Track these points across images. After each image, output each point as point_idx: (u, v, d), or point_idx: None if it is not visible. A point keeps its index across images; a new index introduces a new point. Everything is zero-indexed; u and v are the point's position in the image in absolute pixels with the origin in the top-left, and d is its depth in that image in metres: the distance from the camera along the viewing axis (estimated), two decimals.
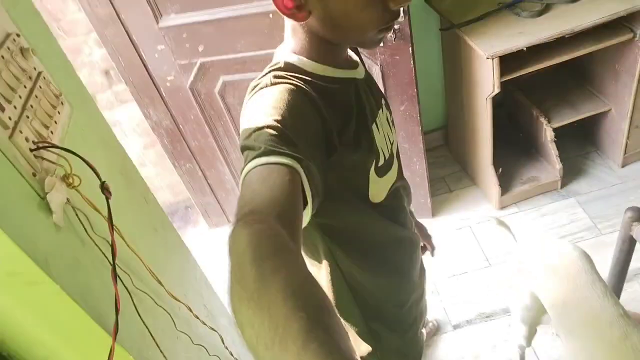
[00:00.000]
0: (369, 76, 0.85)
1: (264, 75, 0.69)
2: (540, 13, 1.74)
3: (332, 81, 0.73)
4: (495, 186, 2.08)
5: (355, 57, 0.82)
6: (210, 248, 2.16)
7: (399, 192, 0.92)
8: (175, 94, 1.92)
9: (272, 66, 0.71)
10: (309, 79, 0.69)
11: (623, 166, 2.16)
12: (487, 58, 1.65)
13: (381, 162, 0.82)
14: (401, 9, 0.69)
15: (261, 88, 0.67)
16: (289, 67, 0.70)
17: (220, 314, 1.35)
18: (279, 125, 0.59)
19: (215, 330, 1.12)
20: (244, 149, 0.59)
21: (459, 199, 2.26)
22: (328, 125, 0.67)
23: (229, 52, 1.77)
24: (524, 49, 1.65)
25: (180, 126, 2.03)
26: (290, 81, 0.66)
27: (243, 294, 0.42)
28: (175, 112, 1.98)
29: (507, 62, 1.70)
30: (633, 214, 1.30)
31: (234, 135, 2.04)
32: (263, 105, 0.63)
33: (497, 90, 1.74)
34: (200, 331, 1.07)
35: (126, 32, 1.75)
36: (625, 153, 2.11)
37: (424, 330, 1.40)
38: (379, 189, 0.84)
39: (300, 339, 0.37)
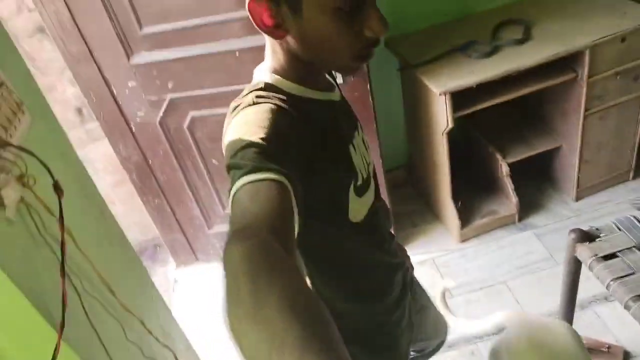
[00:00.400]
0: (343, 99, 0.88)
1: (244, 96, 0.71)
2: (489, 54, 1.87)
3: (310, 102, 0.75)
4: (456, 220, 2.15)
5: (330, 80, 0.85)
6: (176, 286, 2.16)
7: (378, 214, 0.93)
8: (145, 129, 1.98)
9: (252, 87, 0.73)
10: (288, 99, 0.71)
11: (577, 200, 2.26)
12: (440, 94, 1.77)
13: (359, 182, 0.83)
14: (381, 38, 0.71)
15: (243, 108, 0.68)
16: (268, 87, 0.72)
17: (179, 339, 1.35)
18: (264, 142, 0.60)
19: (169, 348, 1.13)
20: (229, 168, 0.60)
21: (423, 233, 2.32)
22: (308, 144, 0.69)
23: (197, 88, 1.85)
24: (474, 86, 1.77)
25: (150, 161, 2.07)
26: (272, 101, 0.68)
27: (239, 308, 0.42)
28: (145, 147, 2.04)
29: (460, 98, 1.82)
30: (576, 235, 1.37)
31: (202, 170, 2.09)
32: (246, 124, 0.64)
33: (450, 125, 1.85)
34: (154, 348, 1.08)
35: (98, 69, 1.83)
36: (578, 187, 2.22)
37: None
38: (358, 208, 0.85)
39: (298, 350, 0.37)
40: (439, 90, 1.77)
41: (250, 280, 0.43)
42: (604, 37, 1.81)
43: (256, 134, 0.61)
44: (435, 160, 2.10)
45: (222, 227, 2.26)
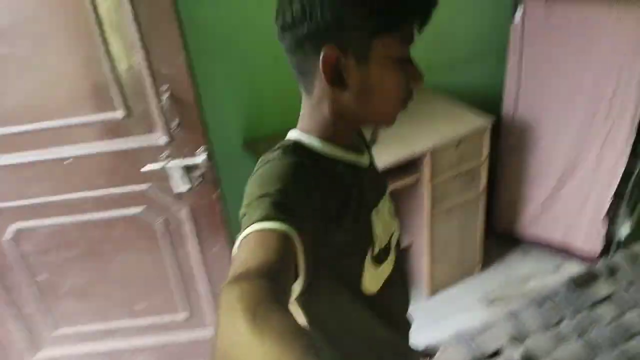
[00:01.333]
0: (373, 165, 0.89)
1: (273, 151, 0.73)
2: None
3: (338, 162, 0.77)
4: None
5: (361, 144, 0.86)
6: None
7: (395, 288, 0.91)
8: None
9: (282, 143, 0.75)
10: (315, 157, 0.74)
11: (431, 295, 2.33)
12: None
13: (377, 250, 0.82)
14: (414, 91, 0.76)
15: (269, 161, 0.70)
16: (297, 145, 0.75)
17: None
18: (281, 195, 0.62)
19: None
20: (243, 214, 0.62)
21: None
22: (327, 204, 0.70)
23: (22, 197, 1.63)
24: None
25: None
26: (297, 158, 0.70)
27: (233, 336, 0.43)
28: None
29: None
30: None
31: (21, 287, 1.81)
32: (268, 176, 0.66)
33: None
34: None
35: None
36: (431, 283, 2.29)
37: None
38: (373, 279, 0.84)
39: None
40: None
41: (248, 312, 0.44)
42: (443, 141, 1.95)
43: (275, 186, 0.63)
44: None
45: (51, 351, 1.95)
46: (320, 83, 0.72)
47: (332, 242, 0.71)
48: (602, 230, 2.25)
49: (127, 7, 1.30)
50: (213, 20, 1.84)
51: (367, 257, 0.80)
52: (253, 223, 0.58)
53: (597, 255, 2.30)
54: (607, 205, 2.18)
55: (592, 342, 1.48)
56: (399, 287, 0.94)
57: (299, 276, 0.59)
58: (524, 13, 2.05)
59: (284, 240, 0.57)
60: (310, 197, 0.67)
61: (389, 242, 0.88)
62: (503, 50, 2.20)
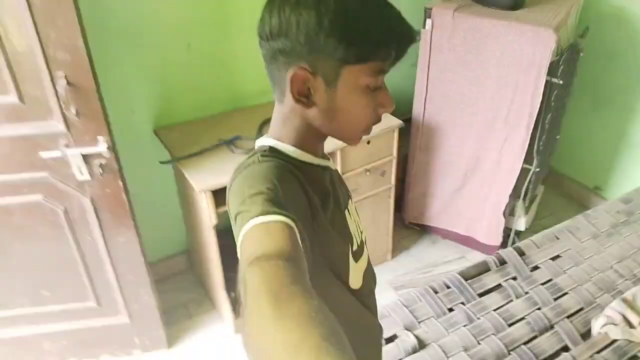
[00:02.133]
0: (337, 170, 0.92)
1: (249, 157, 0.74)
2: (250, 151, 1.93)
3: (311, 166, 0.79)
4: (229, 311, 2.11)
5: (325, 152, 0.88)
6: None
7: (369, 279, 0.95)
8: None
9: (256, 150, 0.77)
10: (291, 161, 0.75)
11: None
12: (199, 192, 1.75)
13: (355, 247, 0.86)
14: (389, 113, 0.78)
15: (248, 166, 0.71)
16: (273, 150, 0.76)
17: None
18: (272, 192, 0.63)
19: None
20: (237, 214, 0.62)
21: (199, 324, 2.23)
22: (312, 202, 0.72)
23: None
24: None
25: None
26: (276, 161, 0.72)
27: (260, 320, 0.44)
28: None
29: (223, 194, 1.82)
30: None
31: None
32: (253, 178, 0.67)
33: (214, 221, 1.83)
34: None
35: None
36: None
37: None
38: (356, 274, 0.87)
39: (313, 354, 0.39)
40: (199, 187, 1.75)
41: (271, 296, 0.45)
42: None
43: (264, 184, 0.64)
44: (206, 252, 2.05)
45: None
46: (289, 95, 0.74)
47: (322, 238, 0.73)
48: (501, 224, 2.42)
49: None
50: (121, 7, 1.79)
51: (349, 254, 0.83)
52: (252, 219, 0.58)
53: (497, 246, 2.47)
54: (506, 201, 2.34)
55: (479, 328, 1.60)
56: (371, 278, 0.98)
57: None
58: (432, 22, 2.15)
59: (287, 229, 0.57)
60: (297, 196, 0.69)
61: (362, 239, 0.92)
62: (413, 55, 2.29)
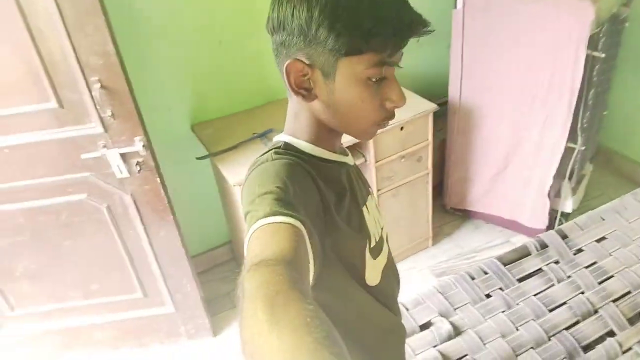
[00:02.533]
0: (357, 166, 0.91)
1: (264, 154, 0.74)
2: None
3: (327, 162, 0.78)
4: None
5: (344, 147, 0.88)
6: None
7: (390, 277, 0.94)
8: None
9: (271, 146, 0.76)
10: (306, 158, 0.75)
11: None
12: (234, 185, 1.79)
13: (373, 243, 0.85)
14: (399, 107, 0.75)
15: (262, 163, 0.71)
16: (288, 146, 0.76)
17: None
18: (282, 191, 0.63)
19: None
20: (247, 213, 0.62)
21: None
22: (325, 199, 0.72)
23: None
24: None
25: None
26: (290, 158, 0.72)
27: (255, 326, 0.43)
28: None
29: None
30: None
31: None
32: (265, 176, 0.67)
33: None
34: None
35: None
36: None
37: None
38: (373, 271, 0.86)
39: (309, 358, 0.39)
40: (233, 181, 1.79)
41: (267, 302, 0.45)
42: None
43: (275, 183, 0.64)
44: None
45: (10, 330, 2.02)
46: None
47: (334, 235, 0.73)
48: (547, 207, 2.33)
49: (51, 1, 1.31)
50: (151, 7, 1.84)
51: (365, 251, 0.83)
52: (260, 219, 0.58)
53: (543, 230, 2.38)
54: (550, 183, 2.26)
55: (517, 314, 1.57)
56: (392, 276, 0.97)
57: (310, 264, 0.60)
58: (464, 2, 2.08)
59: (293, 231, 0.57)
60: (308, 193, 0.69)
61: (381, 236, 0.91)
62: (448, 36, 2.23)
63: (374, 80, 0.70)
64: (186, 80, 2.04)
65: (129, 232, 1.81)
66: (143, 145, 1.57)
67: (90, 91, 1.45)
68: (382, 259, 0.92)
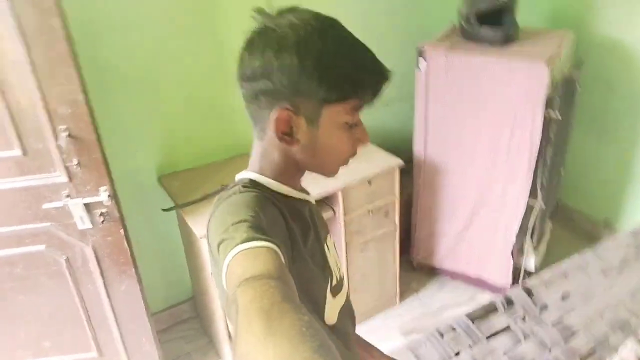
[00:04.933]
0: (316, 205, 0.93)
1: (230, 189, 0.75)
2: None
3: (291, 199, 0.80)
4: None
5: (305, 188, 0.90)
6: None
7: (346, 317, 0.95)
8: None
9: (236, 182, 0.78)
10: (272, 193, 0.77)
11: None
12: (201, 238, 1.76)
13: (334, 282, 0.86)
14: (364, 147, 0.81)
15: (230, 196, 0.72)
16: (254, 183, 0.77)
17: None
18: (254, 219, 0.64)
19: None
20: (221, 242, 0.61)
21: None
22: (292, 233, 0.74)
23: None
24: None
25: None
26: (258, 192, 0.73)
27: (250, 337, 0.44)
28: None
29: None
30: None
31: None
32: (235, 206, 0.68)
33: None
34: None
35: None
36: None
37: None
38: (332, 310, 0.87)
39: None
40: (201, 233, 1.76)
41: (262, 313, 0.45)
42: (354, 180, 2.03)
43: (247, 213, 0.65)
44: (210, 301, 2.04)
45: None
46: (271, 133, 0.75)
47: (300, 270, 0.73)
48: (510, 264, 2.37)
49: (22, 49, 1.31)
50: (121, 58, 1.86)
51: (327, 289, 0.83)
52: (238, 245, 0.58)
53: (508, 286, 2.41)
54: (513, 240, 2.31)
55: None
56: (348, 316, 0.98)
57: None
58: (427, 63, 2.19)
59: (274, 254, 0.58)
60: (277, 225, 0.70)
61: (341, 275, 0.93)
62: (413, 96, 2.32)
63: (350, 124, 0.76)
64: (154, 132, 2.04)
65: (88, 287, 1.73)
66: (108, 195, 1.53)
67: (56, 140, 1.42)
68: (341, 298, 0.93)
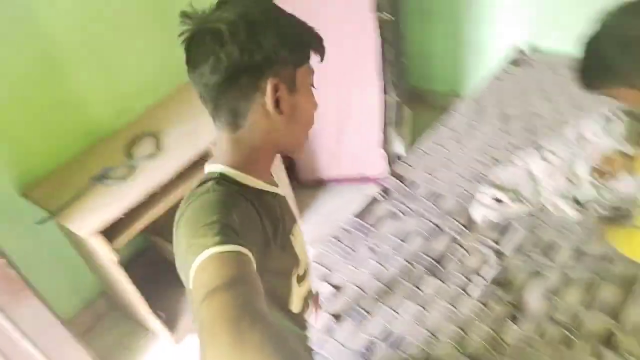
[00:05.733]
0: (284, 196, 0.93)
1: (201, 185, 0.74)
2: (126, 177, 1.90)
3: (261, 192, 0.80)
4: (163, 328, 2.14)
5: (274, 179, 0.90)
6: None
7: (308, 301, 1.00)
8: None
9: (206, 177, 0.76)
10: (242, 188, 0.76)
11: None
12: (89, 237, 1.72)
13: (302, 271, 0.89)
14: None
15: (203, 194, 0.70)
16: (225, 177, 0.76)
17: None
18: (227, 220, 0.64)
19: None
20: (191, 244, 0.61)
21: (142, 352, 2.25)
22: (265, 228, 0.74)
23: None
24: (123, 216, 1.78)
25: None
26: (229, 188, 0.73)
27: (219, 351, 0.44)
28: None
29: (113, 228, 1.81)
30: None
31: None
32: (208, 206, 0.67)
33: (116, 258, 1.83)
34: None
35: None
36: None
37: None
38: (298, 297, 0.91)
39: None
40: (86, 233, 1.72)
41: (230, 325, 0.45)
42: None
43: (219, 213, 0.65)
44: (122, 289, 2.04)
45: None
46: (254, 115, 0.76)
47: (271, 264, 0.75)
48: (384, 156, 2.62)
49: None
50: None
51: (293, 277, 0.86)
52: (207, 248, 0.58)
53: (388, 174, 2.67)
54: (381, 135, 2.54)
55: (382, 255, 1.77)
56: (310, 299, 1.02)
57: None
58: None
59: (242, 258, 0.58)
60: (252, 223, 0.70)
61: (307, 262, 0.95)
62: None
63: (312, 85, 0.83)
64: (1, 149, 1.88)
65: None
66: None
67: None
68: (307, 285, 0.98)
